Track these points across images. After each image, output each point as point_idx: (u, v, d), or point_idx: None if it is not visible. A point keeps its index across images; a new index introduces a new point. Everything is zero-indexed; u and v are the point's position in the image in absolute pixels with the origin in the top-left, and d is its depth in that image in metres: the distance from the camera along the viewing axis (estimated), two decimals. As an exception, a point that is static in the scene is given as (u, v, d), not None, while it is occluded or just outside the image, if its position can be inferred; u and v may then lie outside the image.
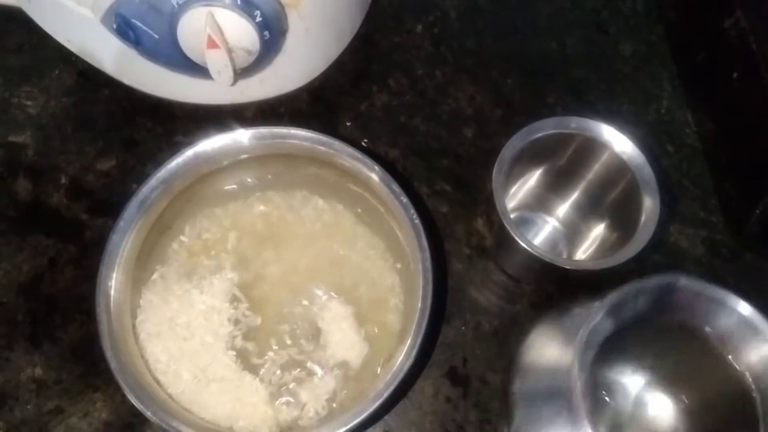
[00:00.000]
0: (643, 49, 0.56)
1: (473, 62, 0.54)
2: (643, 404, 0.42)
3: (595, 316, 0.32)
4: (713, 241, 0.50)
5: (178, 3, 0.39)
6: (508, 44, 0.55)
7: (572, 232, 0.47)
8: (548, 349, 0.37)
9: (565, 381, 0.32)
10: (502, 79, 0.54)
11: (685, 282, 0.34)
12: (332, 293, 0.41)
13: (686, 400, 0.41)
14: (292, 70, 0.48)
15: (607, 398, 0.42)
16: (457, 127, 0.52)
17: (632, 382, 0.42)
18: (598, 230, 0.45)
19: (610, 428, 0.42)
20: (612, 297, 0.32)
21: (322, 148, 0.39)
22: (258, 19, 0.40)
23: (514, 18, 0.56)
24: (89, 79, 0.52)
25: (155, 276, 0.41)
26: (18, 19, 0.51)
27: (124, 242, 0.38)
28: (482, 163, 0.51)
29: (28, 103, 0.52)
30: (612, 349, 0.34)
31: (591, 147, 0.40)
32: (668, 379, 0.41)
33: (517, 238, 0.38)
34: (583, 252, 0.45)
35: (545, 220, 0.48)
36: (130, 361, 0.36)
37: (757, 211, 0.45)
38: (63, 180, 0.49)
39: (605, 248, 0.45)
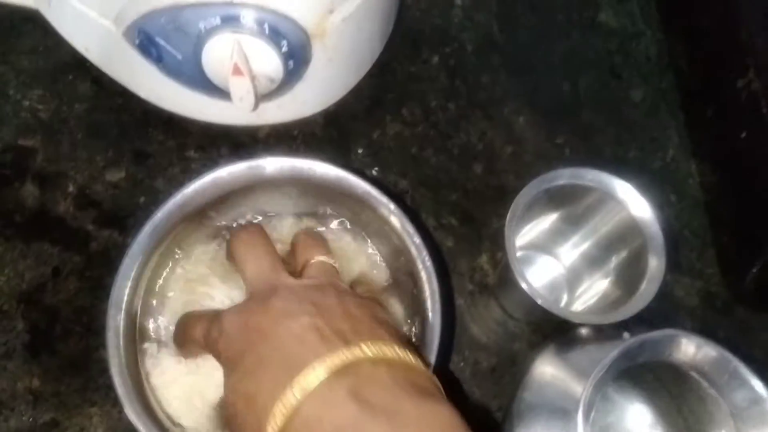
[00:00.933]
0: (653, 96, 0.57)
1: (486, 97, 0.55)
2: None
3: (602, 367, 0.33)
4: (708, 293, 0.51)
5: (205, 27, 0.39)
6: (521, 81, 0.56)
7: (574, 278, 0.47)
8: (551, 382, 0.38)
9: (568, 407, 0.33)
10: (514, 117, 0.54)
11: (684, 339, 0.35)
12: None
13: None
14: (311, 96, 0.48)
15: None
16: (467, 162, 0.52)
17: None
18: (600, 280, 0.46)
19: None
20: (620, 348, 0.33)
21: (341, 183, 0.39)
22: (284, 49, 0.40)
23: (529, 56, 0.57)
24: (103, 87, 0.52)
25: (164, 301, 0.41)
26: (35, 21, 0.51)
27: (137, 265, 0.37)
28: (490, 199, 0.52)
29: (40, 107, 0.51)
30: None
31: (604, 201, 0.41)
32: (663, 414, 0.43)
33: (524, 286, 0.38)
34: (583, 302, 0.46)
35: (549, 263, 0.48)
36: (138, 390, 0.35)
37: (754, 270, 0.46)
38: (71, 188, 0.49)
39: (605, 298, 0.46)
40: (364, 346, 0.30)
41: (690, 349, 0.34)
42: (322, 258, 0.39)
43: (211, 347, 0.34)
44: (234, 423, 0.32)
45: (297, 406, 0.29)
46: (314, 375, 0.29)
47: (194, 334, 0.36)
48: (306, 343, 0.31)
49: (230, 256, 0.39)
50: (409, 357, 0.31)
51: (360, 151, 0.52)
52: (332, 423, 0.28)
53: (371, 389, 0.29)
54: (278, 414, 0.29)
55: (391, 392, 0.29)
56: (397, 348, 0.31)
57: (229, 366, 0.33)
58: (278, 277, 0.35)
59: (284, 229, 0.43)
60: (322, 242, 0.40)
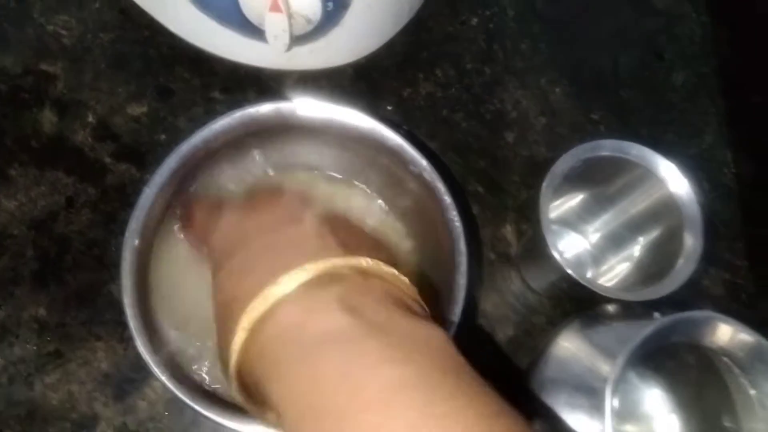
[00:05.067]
0: (694, 80, 0.55)
1: (524, 65, 0.53)
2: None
3: (634, 344, 0.31)
4: (734, 285, 0.49)
5: (247, -42, 0.38)
6: (561, 53, 0.54)
7: (600, 256, 0.46)
8: (575, 358, 0.37)
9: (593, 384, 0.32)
10: (550, 88, 0.53)
11: (721, 323, 0.34)
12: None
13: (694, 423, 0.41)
14: (345, 44, 0.46)
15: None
16: (499, 129, 0.51)
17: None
18: (625, 260, 0.45)
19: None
20: (654, 325, 0.32)
21: (373, 133, 0.38)
22: (326, -12, 0.38)
23: (571, 27, 0.55)
24: (131, 18, 0.50)
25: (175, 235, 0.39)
26: (64, -57, 0.49)
27: (155, 197, 0.36)
28: (518, 169, 0.50)
29: (64, 32, 0.50)
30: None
31: (644, 177, 0.39)
32: (682, 400, 0.42)
33: (556, 257, 0.37)
34: (607, 281, 0.45)
35: (575, 239, 0.47)
36: (149, 324, 0.34)
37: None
38: (90, 118, 0.48)
39: (629, 278, 0.44)
40: (362, 259, 0.27)
41: (726, 333, 0.32)
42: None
43: (206, 239, 0.32)
44: (217, 326, 0.29)
45: (271, 308, 0.25)
46: (298, 275, 0.26)
47: (194, 218, 0.34)
48: (301, 248, 0.28)
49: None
50: (405, 279, 0.28)
51: (389, 108, 0.50)
52: (317, 329, 0.24)
53: (363, 301, 0.26)
54: (249, 315, 0.25)
55: (385, 308, 0.26)
56: (395, 270, 0.28)
57: (218, 264, 0.30)
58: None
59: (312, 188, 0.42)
60: None
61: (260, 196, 0.34)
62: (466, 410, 0.22)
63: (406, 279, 0.29)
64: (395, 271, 0.28)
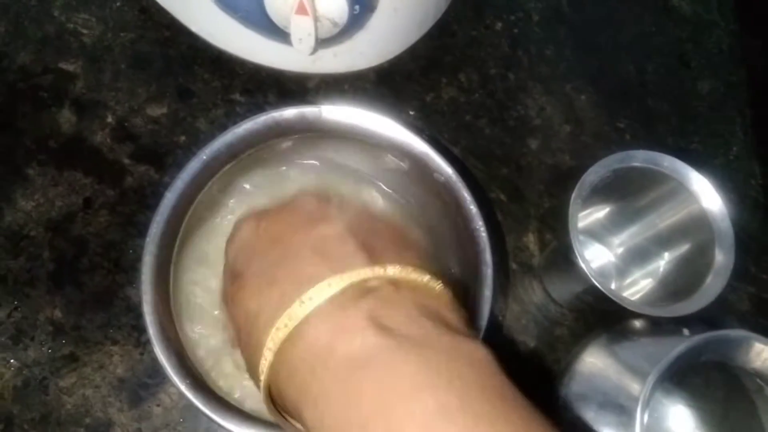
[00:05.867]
0: (721, 90, 0.54)
1: (549, 71, 0.52)
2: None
3: (666, 363, 0.31)
4: (761, 300, 0.48)
5: (274, -40, 0.37)
6: (586, 59, 0.53)
7: (624, 269, 0.45)
8: (602, 374, 0.36)
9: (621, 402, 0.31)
10: (576, 95, 0.52)
11: (757, 343, 0.33)
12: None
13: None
14: (369, 48, 0.45)
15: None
16: (523, 136, 0.50)
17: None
18: (652, 274, 0.44)
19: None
20: (686, 344, 0.31)
21: (398, 139, 0.37)
22: (354, -8, 0.38)
23: (597, 33, 0.54)
24: (151, 17, 0.49)
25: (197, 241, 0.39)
26: (86, -59, 0.49)
27: (177, 201, 0.35)
28: (542, 177, 0.49)
29: (84, 31, 0.49)
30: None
31: (675, 190, 0.38)
32: (707, 418, 0.41)
33: (585, 269, 0.36)
34: (631, 295, 0.44)
35: (600, 251, 0.46)
36: (168, 330, 0.34)
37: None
38: (109, 119, 0.47)
39: (654, 293, 0.43)
40: (390, 267, 0.25)
41: (760, 353, 0.32)
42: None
43: (225, 251, 0.31)
44: (239, 339, 0.28)
45: (298, 327, 0.24)
46: (324, 291, 0.24)
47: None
48: (325, 255, 0.26)
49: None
50: (439, 286, 0.26)
51: (412, 112, 0.50)
52: (347, 351, 0.23)
53: (394, 316, 0.24)
54: (275, 335, 0.24)
55: (420, 323, 0.24)
56: (427, 276, 0.26)
57: (232, 273, 0.29)
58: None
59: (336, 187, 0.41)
60: None
61: (282, 203, 0.33)
62: None
63: (439, 284, 0.26)
64: (427, 277, 0.26)
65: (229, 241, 0.31)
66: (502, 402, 0.22)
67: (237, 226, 0.31)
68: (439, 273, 0.27)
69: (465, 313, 0.27)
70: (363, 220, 0.29)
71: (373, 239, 0.28)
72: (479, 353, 0.24)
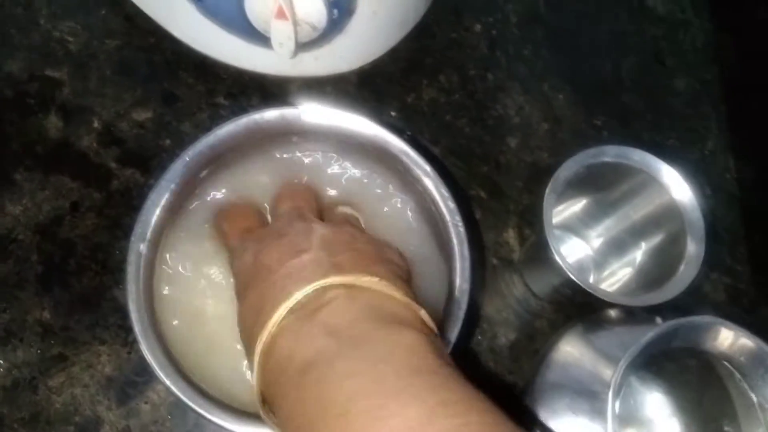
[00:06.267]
0: (696, 86, 0.55)
1: (527, 71, 0.53)
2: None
3: (636, 349, 0.32)
4: (736, 290, 0.50)
5: (252, -34, 0.38)
6: (563, 59, 0.54)
7: (602, 261, 0.46)
8: (577, 362, 0.37)
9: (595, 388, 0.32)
10: (553, 93, 0.53)
11: (723, 328, 0.34)
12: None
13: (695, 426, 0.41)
14: (350, 51, 0.46)
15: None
16: (502, 135, 0.51)
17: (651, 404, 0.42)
18: (627, 266, 0.45)
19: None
20: (656, 330, 0.32)
21: (378, 139, 0.38)
22: (331, -4, 0.39)
23: (573, 34, 0.55)
24: (136, 24, 0.50)
25: (181, 242, 0.39)
26: (70, -49, 0.50)
27: (162, 202, 0.36)
28: (521, 174, 0.50)
29: (70, 39, 0.50)
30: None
31: (646, 183, 0.39)
32: (682, 404, 0.42)
33: (560, 263, 0.37)
34: (609, 286, 0.45)
35: (577, 244, 0.47)
36: (153, 328, 0.35)
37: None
38: (95, 124, 0.48)
39: (631, 283, 0.44)
40: (347, 276, 0.29)
41: (727, 338, 0.33)
42: (345, 209, 0.39)
43: (231, 261, 0.35)
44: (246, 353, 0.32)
45: (271, 341, 0.28)
46: (287, 303, 0.28)
47: (226, 234, 0.36)
48: (300, 277, 0.30)
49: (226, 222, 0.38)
50: (394, 291, 0.29)
51: (393, 113, 0.51)
52: (301, 358, 0.27)
53: (343, 320, 0.27)
54: (257, 348, 0.28)
55: (363, 321, 0.27)
56: (384, 282, 0.29)
57: (239, 293, 0.33)
58: (301, 215, 0.35)
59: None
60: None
61: (274, 227, 0.36)
62: (419, 408, 0.23)
63: (392, 287, 0.29)
64: (377, 280, 0.29)
65: (237, 260, 0.34)
66: (423, 378, 0.25)
67: (244, 250, 0.34)
68: (402, 278, 0.31)
69: (415, 306, 0.30)
70: (342, 236, 0.33)
71: (346, 257, 0.31)
72: (407, 339, 0.27)
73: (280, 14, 0.38)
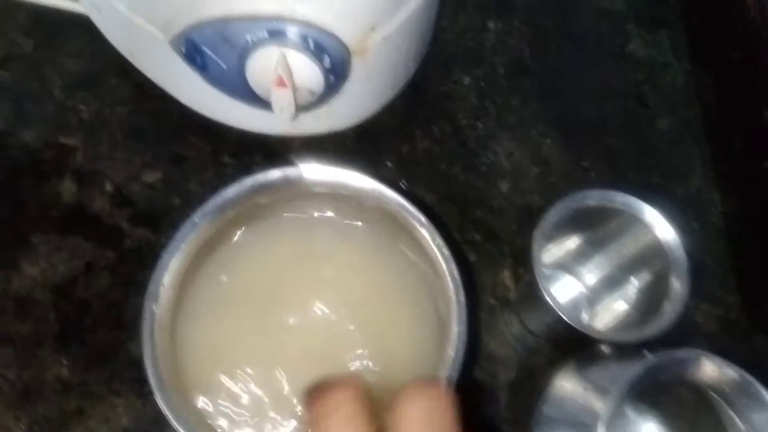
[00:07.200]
0: (679, 126, 0.58)
1: (515, 119, 0.56)
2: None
3: (624, 383, 0.33)
4: (728, 320, 0.51)
5: (252, 40, 0.41)
6: (550, 106, 0.57)
7: (594, 298, 0.48)
8: (571, 397, 0.38)
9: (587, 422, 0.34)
10: (542, 139, 0.56)
11: (706, 359, 0.35)
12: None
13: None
14: (346, 110, 0.49)
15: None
16: (494, 180, 0.54)
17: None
18: (619, 301, 0.47)
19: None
20: (642, 365, 0.34)
21: (374, 195, 0.41)
22: (326, 64, 0.42)
23: (558, 81, 0.58)
24: (145, 91, 0.53)
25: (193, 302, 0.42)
26: (82, 25, 0.53)
27: (173, 262, 0.39)
28: (514, 217, 0.53)
29: (83, 107, 0.53)
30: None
31: (630, 223, 0.41)
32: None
33: (550, 302, 0.39)
34: (602, 322, 0.47)
35: (570, 282, 0.49)
36: (168, 379, 0.36)
37: (775, 300, 0.47)
38: (108, 187, 0.51)
39: (623, 319, 0.46)
40: None
41: (711, 369, 0.34)
42: None
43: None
44: None
45: None
46: None
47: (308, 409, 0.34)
48: None
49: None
50: None
51: (388, 164, 0.53)
52: None
53: None
54: None
55: None
56: None
57: None
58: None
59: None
60: None
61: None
62: None
63: None
64: None
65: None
66: None
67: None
68: None
69: None
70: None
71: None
72: None
73: (280, 82, 0.41)
